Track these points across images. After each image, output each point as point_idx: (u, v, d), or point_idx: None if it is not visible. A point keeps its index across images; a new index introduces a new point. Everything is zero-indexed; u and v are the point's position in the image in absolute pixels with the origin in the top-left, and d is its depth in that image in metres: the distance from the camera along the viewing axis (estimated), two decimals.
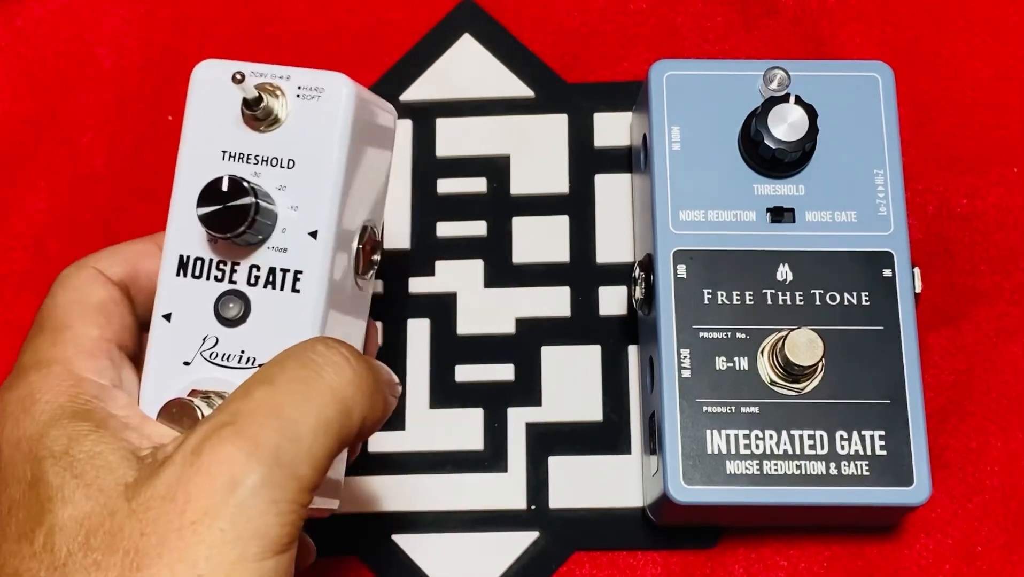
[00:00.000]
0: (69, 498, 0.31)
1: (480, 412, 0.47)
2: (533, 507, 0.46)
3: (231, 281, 0.34)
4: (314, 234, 0.34)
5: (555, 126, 0.50)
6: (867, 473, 0.41)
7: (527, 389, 0.48)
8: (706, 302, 0.42)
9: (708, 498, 0.41)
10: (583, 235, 0.49)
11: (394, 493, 0.47)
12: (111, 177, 0.51)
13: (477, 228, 0.49)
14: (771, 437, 0.41)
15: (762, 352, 0.42)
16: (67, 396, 0.33)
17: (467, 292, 0.49)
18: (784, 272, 0.43)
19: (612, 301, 0.48)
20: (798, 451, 0.41)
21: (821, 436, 0.41)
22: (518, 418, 0.47)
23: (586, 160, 0.50)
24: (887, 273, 0.43)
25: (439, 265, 0.49)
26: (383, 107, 0.37)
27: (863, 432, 0.41)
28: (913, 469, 0.41)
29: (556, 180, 0.50)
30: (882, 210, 0.43)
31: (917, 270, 0.43)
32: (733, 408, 0.41)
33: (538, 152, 0.50)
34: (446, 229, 0.49)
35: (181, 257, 0.35)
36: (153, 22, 0.52)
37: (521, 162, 0.50)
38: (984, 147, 0.50)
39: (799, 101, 0.43)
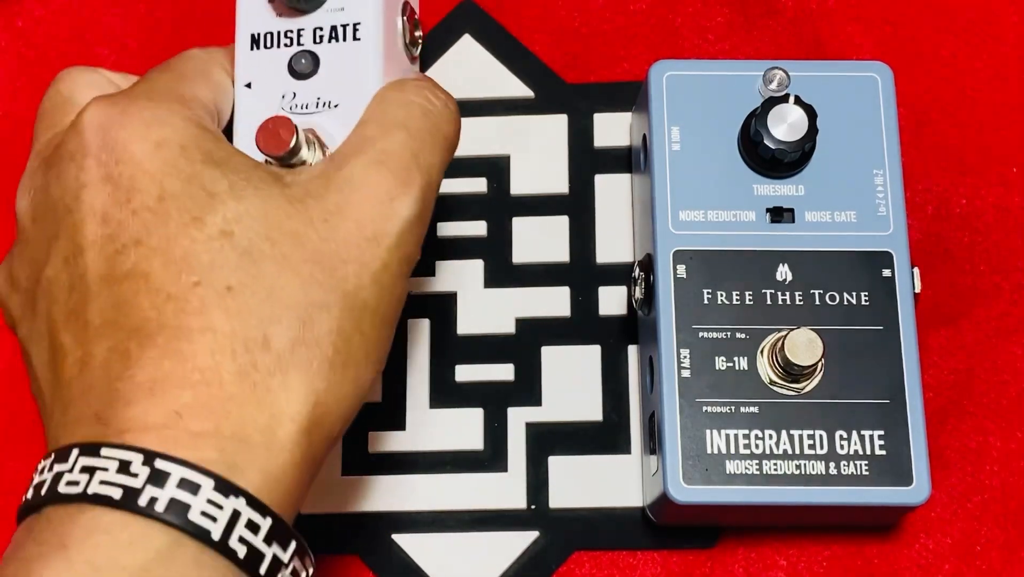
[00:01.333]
0: (240, 195, 0.33)
1: (480, 412, 0.47)
2: (533, 507, 0.46)
3: (299, 44, 0.39)
4: None
5: (555, 126, 0.51)
6: (867, 473, 0.41)
7: (527, 389, 0.48)
8: (706, 302, 0.42)
9: (708, 498, 0.41)
10: (583, 235, 0.49)
11: (394, 493, 0.47)
12: None
13: (477, 228, 0.49)
14: (771, 437, 0.41)
15: (762, 352, 0.42)
16: (200, 127, 0.35)
17: (467, 292, 0.49)
18: (784, 272, 0.43)
19: (612, 301, 0.48)
20: (798, 451, 0.41)
21: (821, 436, 0.41)
22: (518, 418, 0.47)
23: (586, 160, 0.50)
24: (887, 273, 0.43)
25: (439, 265, 0.49)
26: None
27: (862, 432, 0.41)
28: (913, 469, 0.41)
29: (556, 180, 0.50)
30: (881, 210, 0.43)
31: (916, 270, 0.43)
32: (733, 408, 0.41)
33: (538, 152, 0.50)
34: (446, 229, 0.50)
35: (252, 35, 0.39)
36: (153, 22, 0.52)
37: (521, 162, 0.50)
38: (984, 147, 0.50)
39: (798, 101, 0.43)
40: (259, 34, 0.39)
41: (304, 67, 0.38)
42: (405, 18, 0.41)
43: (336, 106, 0.38)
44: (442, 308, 0.49)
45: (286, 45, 0.39)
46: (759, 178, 0.44)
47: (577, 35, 0.52)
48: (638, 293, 0.44)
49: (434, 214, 0.49)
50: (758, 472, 0.41)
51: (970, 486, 0.46)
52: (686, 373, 0.42)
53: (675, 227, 0.43)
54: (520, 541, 0.46)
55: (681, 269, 0.43)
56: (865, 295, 0.42)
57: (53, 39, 0.52)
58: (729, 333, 0.42)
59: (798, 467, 0.41)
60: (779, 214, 0.43)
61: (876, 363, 0.42)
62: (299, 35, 0.39)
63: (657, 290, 0.43)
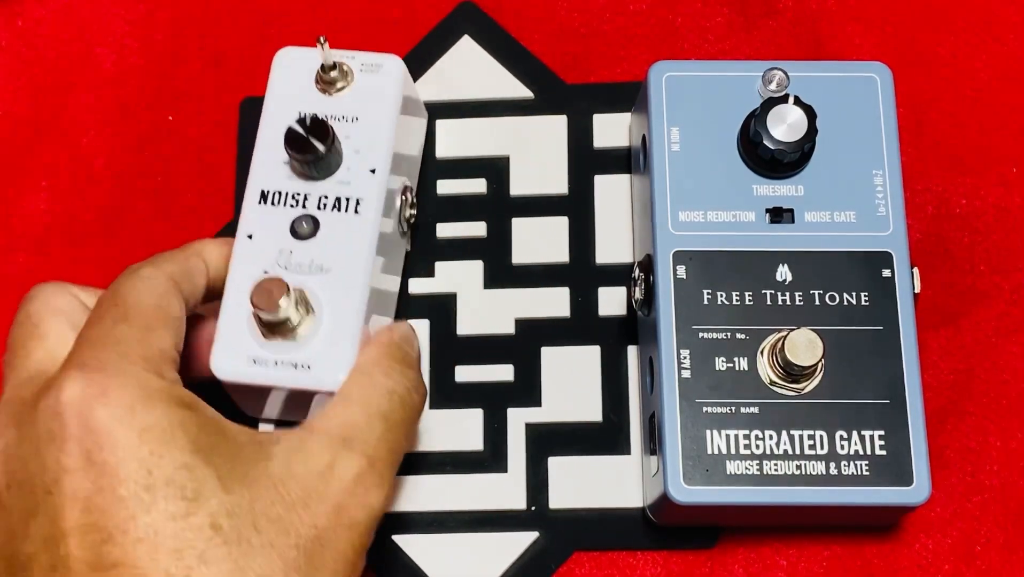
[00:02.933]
0: (229, 487, 0.34)
1: (480, 412, 0.47)
2: (533, 507, 0.46)
3: (303, 207, 0.42)
4: (373, 171, 0.42)
5: (554, 127, 0.51)
6: (867, 473, 0.41)
7: (527, 389, 0.48)
8: (706, 302, 0.42)
9: (708, 498, 0.41)
10: (583, 236, 0.49)
11: (394, 493, 0.47)
12: (111, 177, 0.51)
13: (477, 229, 0.49)
14: (771, 437, 0.41)
15: (762, 352, 0.42)
16: (184, 397, 0.36)
17: (467, 293, 0.49)
18: (783, 272, 0.43)
19: (612, 301, 0.48)
20: (798, 451, 0.41)
21: (821, 436, 0.41)
22: (518, 418, 0.47)
23: (585, 161, 0.50)
24: (886, 273, 0.43)
25: (439, 266, 0.49)
26: (415, 89, 0.47)
27: (863, 432, 0.41)
28: (913, 469, 0.41)
29: (556, 181, 0.50)
30: (881, 210, 0.43)
31: (916, 270, 0.43)
32: (733, 408, 0.41)
33: (537, 153, 0.50)
34: (446, 230, 0.49)
35: (262, 191, 0.42)
36: (153, 22, 0.52)
37: (521, 163, 0.50)
38: (983, 147, 0.50)
39: (798, 102, 0.43)
40: (269, 191, 0.42)
41: (305, 229, 0.42)
42: (403, 198, 0.45)
43: (328, 271, 0.41)
44: (442, 309, 0.49)
45: (291, 206, 0.42)
46: (759, 178, 0.44)
47: (577, 36, 0.52)
48: (638, 294, 0.44)
49: (434, 215, 0.50)
50: (758, 472, 0.41)
51: (970, 486, 0.46)
52: (686, 373, 0.42)
53: (675, 228, 0.43)
54: (520, 542, 0.46)
55: (681, 270, 0.43)
56: (865, 295, 0.42)
57: (53, 39, 0.52)
58: (729, 333, 0.42)
59: (798, 467, 0.41)
60: (779, 214, 0.43)
61: (876, 363, 0.42)
62: (305, 199, 0.42)
63: (657, 291, 0.43)
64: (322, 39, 0.42)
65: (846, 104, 0.44)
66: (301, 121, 0.41)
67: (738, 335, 0.42)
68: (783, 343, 0.40)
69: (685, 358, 0.42)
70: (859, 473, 0.41)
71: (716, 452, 0.41)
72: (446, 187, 0.50)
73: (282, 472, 0.35)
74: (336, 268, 0.41)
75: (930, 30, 0.51)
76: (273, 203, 0.42)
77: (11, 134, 0.51)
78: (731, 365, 0.42)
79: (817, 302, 0.42)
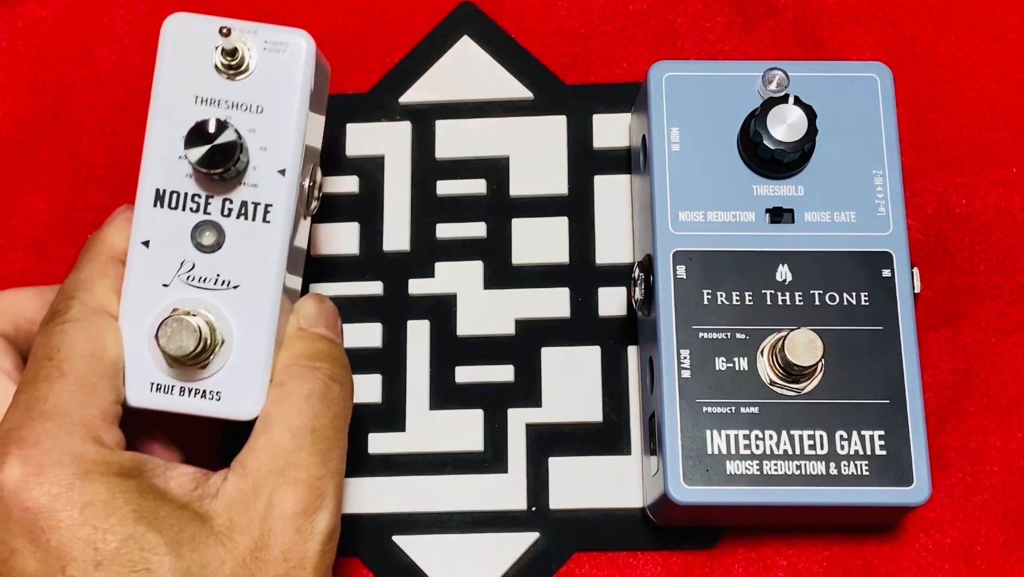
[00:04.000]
0: (178, 552, 0.34)
1: (480, 413, 0.47)
2: (533, 508, 0.46)
3: (206, 212, 0.38)
4: (283, 172, 0.38)
5: (554, 127, 0.51)
6: (867, 473, 0.41)
7: (527, 390, 0.48)
8: (705, 302, 0.42)
9: (708, 498, 0.41)
10: (582, 236, 0.49)
11: (394, 494, 0.47)
12: (111, 177, 0.51)
13: (477, 229, 0.49)
14: (771, 437, 0.41)
15: (762, 352, 0.42)
16: (123, 463, 0.36)
17: (467, 293, 0.49)
18: (783, 272, 0.43)
19: (612, 302, 0.48)
20: (798, 451, 0.41)
21: (821, 436, 0.41)
22: (518, 419, 0.47)
23: (585, 161, 0.50)
24: (886, 273, 0.43)
25: (439, 266, 0.49)
26: (325, 66, 0.41)
27: (863, 432, 0.41)
28: (913, 469, 0.41)
29: (555, 181, 0.50)
30: (881, 210, 0.43)
31: (916, 270, 0.43)
32: (733, 408, 0.41)
33: (537, 153, 0.50)
34: (446, 231, 0.50)
35: (157, 190, 0.38)
36: (154, 22, 0.52)
37: (520, 163, 0.50)
38: (983, 147, 0.50)
39: (798, 102, 0.43)
40: (165, 191, 0.38)
41: (208, 240, 0.38)
42: (309, 184, 0.40)
43: (236, 287, 0.38)
44: (442, 309, 0.49)
45: (192, 210, 0.38)
46: (758, 179, 0.44)
47: (576, 36, 0.52)
48: (638, 294, 0.44)
49: (434, 215, 0.50)
50: (759, 472, 0.41)
51: (970, 486, 0.46)
52: (686, 374, 0.42)
53: (675, 228, 0.43)
54: (520, 542, 0.46)
55: (681, 270, 0.43)
56: (865, 295, 0.42)
57: (54, 39, 0.52)
58: (729, 333, 0.42)
59: (799, 467, 0.41)
60: (779, 214, 0.43)
61: (876, 363, 0.42)
62: (207, 202, 0.38)
63: (657, 291, 0.43)
64: (225, 28, 0.37)
65: (846, 104, 0.44)
66: (199, 131, 0.37)
67: (738, 335, 0.42)
68: (783, 343, 0.40)
69: (685, 358, 0.42)
70: (859, 473, 0.41)
71: (716, 452, 0.41)
72: (446, 187, 0.50)
73: (225, 526, 0.35)
74: (244, 284, 0.38)
75: (930, 30, 0.51)
76: (171, 206, 0.38)
77: (11, 134, 0.51)
78: (731, 365, 0.42)
79: (817, 302, 0.42)
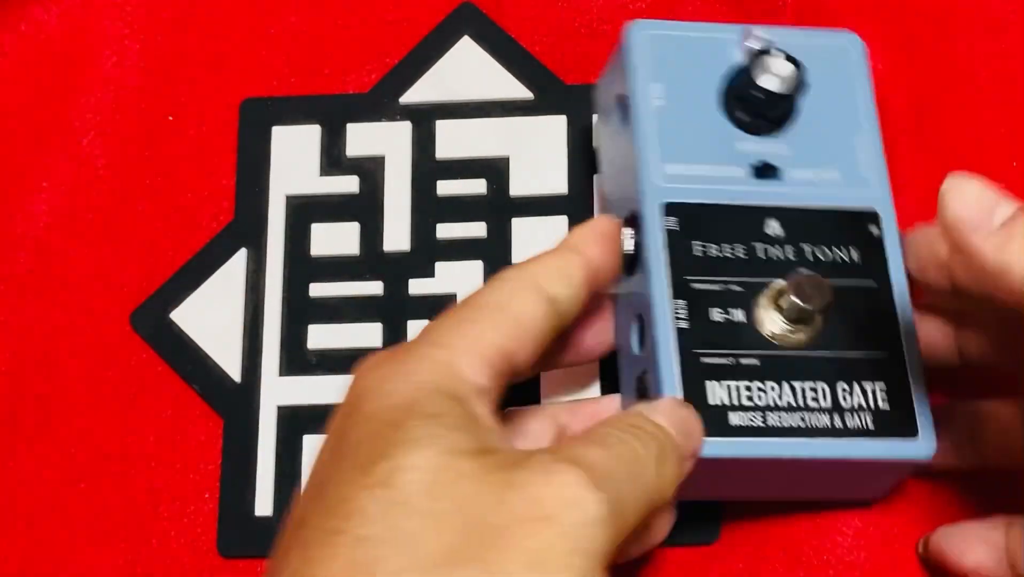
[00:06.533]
0: (424, 447, 0.31)
1: None
2: None
3: None
4: None
5: (554, 127, 0.51)
6: (872, 426, 0.40)
7: (527, 390, 0.47)
8: (697, 255, 0.41)
9: (712, 451, 0.38)
10: None
11: None
12: (111, 177, 0.51)
13: (477, 229, 0.49)
14: (773, 389, 0.40)
15: (760, 302, 0.41)
16: (446, 378, 0.34)
17: (467, 293, 0.49)
18: (773, 227, 0.42)
19: None
20: (801, 403, 0.40)
21: (823, 388, 0.40)
22: None
23: (585, 161, 0.50)
24: (874, 231, 0.42)
25: (439, 266, 0.49)
26: None
27: (864, 385, 0.40)
28: (917, 422, 0.40)
29: (556, 181, 0.50)
30: (864, 170, 0.43)
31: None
32: (733, 360, 0.40)
33: (537, 153, 0.50)
34: (446, 231, 0.49)
35: None
36: (154, 23, 0.52)
37: (520, 163, 0.50)
38: (984, 145, 0.50)
39: (786, 55, 0.42)
40: None
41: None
42: None
43: None
44: (442, 309, 0.48)
45: None
46: (743, 135, 0.43)
47: (576, 36, 0.52)
48: (629, 248, 0.42)
49: (434, 216, 0.50)
50: (763, 424, 0.39)
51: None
52: (683, 324, 0.40)
53: (663, 180, 0.42)
54: None
55: (672, 221, 0.41)
56: (856, 252, 0.42)
57: (54, 41, 0.53)
58: (723, 285, 0.41)
59: (803, 419, 0.39)
60: (765, 170, 0.43)
61: (872, 318, 0.41)
62: None
63: (647, 243, 0.41)
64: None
65: (822, 68, 0.44)
66: None
67: (733, 287, 0.41)
68: (789, 286, 0.39)
69: (681, 308, 0.40)
70: (864, 426, 0.40)
71: (718, 403, 0.39)
72: (446, 188, 0.50)
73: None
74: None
75: (931, 28, 0.51)
76: None
77: (11, 134, 0.51)
78: (728, 316, 0.40)
79: (810, 257, 0.42)
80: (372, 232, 0.49)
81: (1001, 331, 0.42)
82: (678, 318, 0.40)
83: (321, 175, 0.50)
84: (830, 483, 0.43)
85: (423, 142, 0.51)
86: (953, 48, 0.51)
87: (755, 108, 0.42)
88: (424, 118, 0.51)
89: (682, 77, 0.43)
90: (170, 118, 0.51)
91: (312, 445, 0.47)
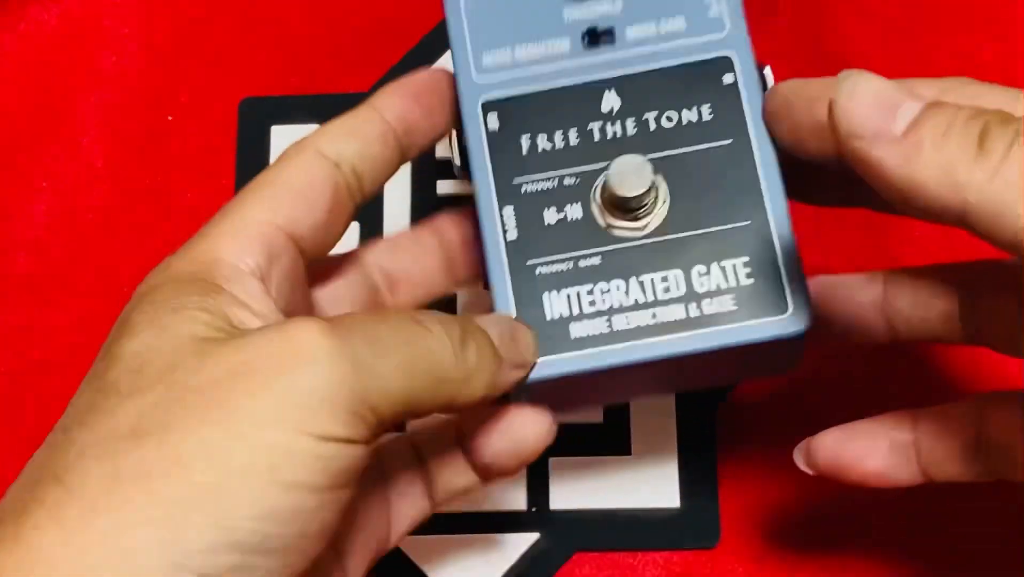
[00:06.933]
0: (138, 334, 0.30)
1: None
2: (533, 508, 0.46)
3: None
4: None
5: None
6: (733, 308, 0.35)
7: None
8: (525, 152, 0.37)
9: (555, 370, 0.35)
10: None
11: None
12: (111, 177, 0.51)
13: None
14: (618, 288, 0.36)
15: (594, 194, 0.36)
16: (197, 265, 0.33)
17: (467, 293, 0.49)
18: (611, 100, 0.37)
19: None
20: (651, 298, 0.36)
21: (676, 276, 0.36)
22: None
23: None
24: (728, 79, 0.37)
25: None
26: None
27: (723, 263, 0.36)
28: (786, 294, 0.35)
29: None
30: (713, 10, 0.38)
31: (768, 69, 0.38)
32: (571, 264, 0.36)
33: None
34: None
35: None
36: (154, 23, 0.52)
37: None
38: None
39: None
40: None
41: None
42: None
43: None
44: (442, 309, 0.49)
45: None
46: None
47: None
48: (456, 159, 0.39)
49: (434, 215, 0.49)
50: (608, 330, 0.35)
51: None
52: (512, 235, 0.36)
53: (479, 75, 0.38)
54: (521, 543, 0.46)
55: (492, 120, 0.37)
56: (708, 108, 0.37)
57: (54, 41, 0.53)
58: (556, 181, 0.37)
59: (653, 316, 0.35)
60: (596, 37, 0.38)
61: (730, 182, 0.36)
62: None
63: (470, 148, 0.37)
64: None
65: None
66: None
67: (566, 180, 0.37)
68: (606, 177, 0.35)
69: (509, 217, 0.37)
70: (724, 310, 0.35)
71: (557, 316, 0.36)
72: (446, 187, 0.50)
73: None
74: None
75: (931, 27, 0.51)
76: None
77: (11, 134, 0.51)
78: (562, 216, 0.36)
79: (653, 126, 0.37)
80: (372, 232, 0.49)
81: (940, 297, 0.38)
82: (505, 229, 0.37)
83: None
84: (720, 371, 0.39)
85: None
86: (953, 48, 0.51)
87: None
88: None
89: None
90: (170, 118, 0.51)
91: None
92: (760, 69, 0.38)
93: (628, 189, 0.35)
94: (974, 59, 0.51)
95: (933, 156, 0.28)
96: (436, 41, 0.52)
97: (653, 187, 0.35)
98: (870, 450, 0.37)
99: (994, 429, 0.36)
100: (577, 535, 0.46)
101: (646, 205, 0.36)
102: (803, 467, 0.38)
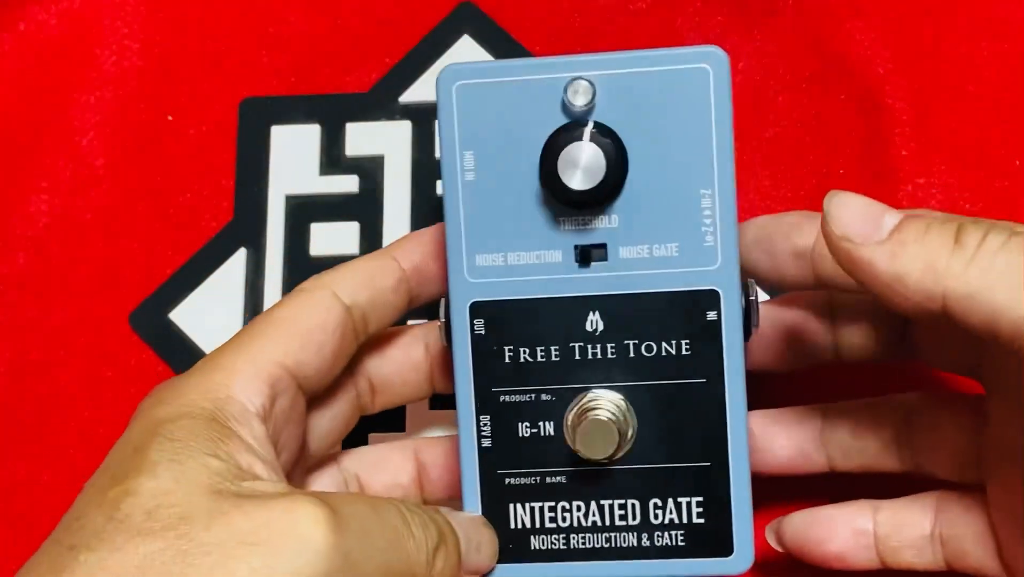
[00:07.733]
0: (158, 475, 0.32)
1: None
2: None
3: None
4: None
5: None
6: (682, 544, 0.38)
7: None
8: (507, 361, 0.38)
9: (511, 576, 0.39)
10: None
11: None
12: (111, 177, 0.51)
13: None
14: (579, 509, 0.38)
15: (567, 418, 0.38)
16: (210, 401, 0.34)
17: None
18: (594, 321, 0.38)
19: None
20: (607, 522, 0.38)
21: (633, 505, 0.38)
22: None
23: None
24: (711, 316, 0.37)
25: None
26: None
27: (679, 499, 0.38)
28: (733, 538, 0.38)
29: None
30: (708, 240, 0.37)
31: (762, 294, 0.39)
32: (538, 478, 0.38)
33: None
34: None
35: None
36: (153, 23, 0.52)
37: None
38: (984, 145, 0.49)
39: (598, 134, 0.36)
40: None
41: None
42: None
43: None
44: (429, 307, 0.48)
45: None
46: (566, 210, 0.38)
47: (576, 36, 0.52)
48: (443, 338, 0.39)
49: (434, 215, 0.49)
50: (564, 547, 0.38)
51: None
52: (487, 443, 0.38)
53: (471, 274, 0.38)
54: None
55: (479, 324, 0.38)
56: (687, 343, 0.38)
57: (54, 41, 0.52)
58: (533, 396, 0.38)
59: (608, 540, 0.38)
60: (588, 254, 0.38)
61: (697, 422, 0.38)
62: None
63: (455, 347, 0.38)
64: None
65: (669, 107, 0.37)
66: None
67: (543, 396, 0.38)
68: (576, 432, 0.37)
69: (485, 425, 0.38)
70: (673, 544, 0.38)
71: (520, 526, 0.39)
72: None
73: None
74: None
75: (932, 26, 0.51)
76: None
77: (11, 134, 0.51)
78: (536, 431, 0.38)
79: (632, 354, 0.38)
80: (372, 232, 0.49)
81: (882, 325, 0.40)
82: (482, 436, 0.39)
83: (320, 175, 0.50)
84: None
85: (423, 142, 0.50)
86: (953, 48, 0.51)
87: (566, 199, 0.37)
88: (424, 118, 0.51)
89: (500, 139, 0.38)
90: (170, 118, 0.51)
91: None
92: (745, 283, 0.38)
93: (594, 453, 0.37)
94: (974, 59, 0.51)
95: (916, 250, 0.32)
96: (436, 42, 0.52)
97: (619, 446, 0.37)
98: (832, 534, 0.40)
99: (947, 523, 0.39)
100: None
101: (611, 457, 0.37)
102: (773, 544, 0.41)
